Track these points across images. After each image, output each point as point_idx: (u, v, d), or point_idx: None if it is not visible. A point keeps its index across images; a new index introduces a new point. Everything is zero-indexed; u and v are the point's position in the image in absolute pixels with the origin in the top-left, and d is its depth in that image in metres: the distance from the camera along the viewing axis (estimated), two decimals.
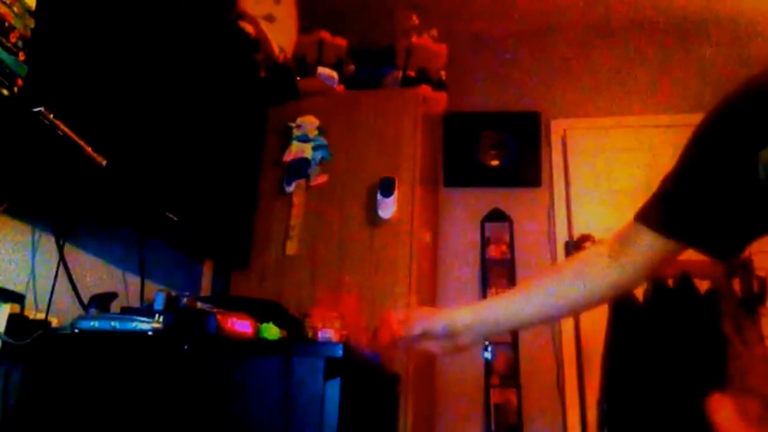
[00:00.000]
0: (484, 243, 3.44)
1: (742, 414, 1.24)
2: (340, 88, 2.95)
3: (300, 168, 2.72)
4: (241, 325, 1.62)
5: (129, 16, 1.78)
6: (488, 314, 1.20)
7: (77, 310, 1.77)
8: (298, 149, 2.74)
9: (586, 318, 3.00)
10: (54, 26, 1.44)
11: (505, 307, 1.20)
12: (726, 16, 3.49)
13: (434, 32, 3.11)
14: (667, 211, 1.06)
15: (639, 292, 2.29)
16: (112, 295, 1.79)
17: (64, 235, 1.78)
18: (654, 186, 1.06)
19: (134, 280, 2.10)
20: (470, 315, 1.18)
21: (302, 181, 2.74)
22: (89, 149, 1.54)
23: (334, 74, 2.94)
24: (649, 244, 1.05)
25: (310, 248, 2.65)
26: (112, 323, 1.58)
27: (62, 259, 1.77)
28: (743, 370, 1.25)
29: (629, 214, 1.07)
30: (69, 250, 1.81)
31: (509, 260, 3.38)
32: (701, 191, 1.02)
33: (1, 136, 1.37)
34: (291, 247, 2.66)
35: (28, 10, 1.33)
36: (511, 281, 3.30)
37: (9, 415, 1.54)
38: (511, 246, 3.41)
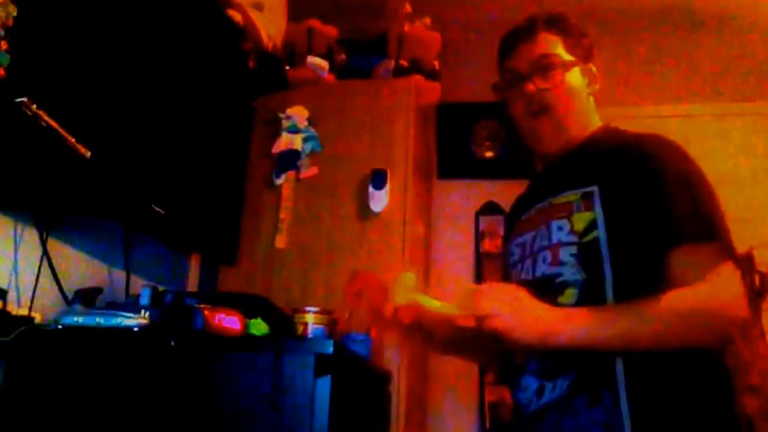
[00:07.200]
0: (479, 236, 3.41)
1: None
2: (331, 77, 2.91)
3: (289, 160, 2.69)
4: (228, 321, 1.59)
5: (114, 4, 1.75)
6: None
7: (61, 306, 1.74)
8: (287, 140, 2.70)
9: None
10: (37, 15, 1.41)
11: None
12: (721, 9, 3.48)
13: (427, 20, 3.07)
14: None
15: None
16: (96, 290, 1.77)
17: (47, 228, 1.75)
18: None
19: (119, 275, 2.07)
20: None
21: (292, 173, 2.70)
22: (73, 140, 1.52)
23: (325, 64, 2.90)
24: None
25: (300, 242, 2.62)
26: (97, 319, 1.56)
27: (45, 254, 1.73)
28: (744, 367, 1.23)
29: None
30: (52, 244, 1.78)
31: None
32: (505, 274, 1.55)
33: None
34: (280, 241, 2.62)
35: None
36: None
37: None
38: None
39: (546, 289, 1.29)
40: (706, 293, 1.18)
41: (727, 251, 1.21)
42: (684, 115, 3.36)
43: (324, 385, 1.43)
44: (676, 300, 1.17)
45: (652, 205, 1.25)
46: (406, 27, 2.99)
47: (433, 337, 1.49)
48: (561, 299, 1.28)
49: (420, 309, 1.36)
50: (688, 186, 1.27)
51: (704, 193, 1.27)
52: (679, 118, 3.30)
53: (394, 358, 2.39)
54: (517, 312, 1.17)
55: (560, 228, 1.33)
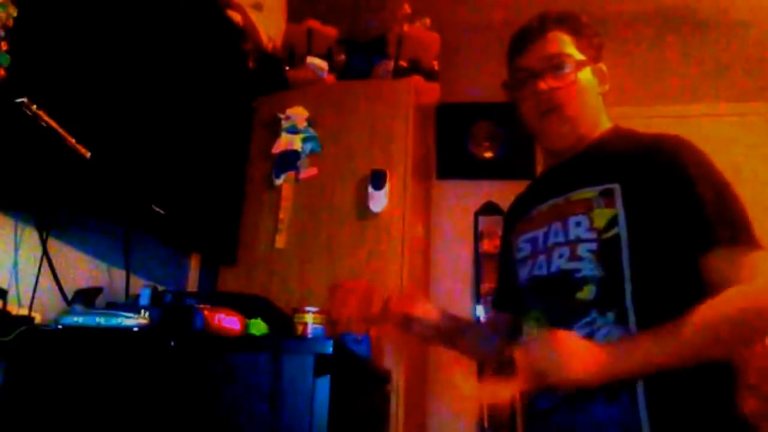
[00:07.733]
0: (478, 237, 3.41)
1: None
2: (330, 78, 2.91)
3: (289, 160, 2.69)
4: (228, 321, 1.59)
5: (114, 5, 1.75)
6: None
7: (61, 306, 1.74)
8: (287, 141, 2.70)
9: None
10: (37, 15, 1.42)
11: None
12: (720, 9, 3.48)
13: (427, 21, 3.08)
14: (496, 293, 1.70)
15: None
16: (96, 291, 1.77)
17: (47, 228, 1.74)
18: None
19: (119, 275, 2.06)
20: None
21: (291, 174, 2.70)
22: (73, 141, 1.52)
23: (324, 64, 2.90)
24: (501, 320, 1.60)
25: (300, 242, 2.62)
26: (97, 319, 1.55)
27: (46, 254, 1.73)
28: (743, 367, 1.23)
29: None
30: (52, 244, 1.78)
31: None
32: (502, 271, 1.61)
33: None
34: (280, 241, 2.62)
35: None
36: None
37: None
38: None
39: (564, 284, 1.30)
40: (752, 293, 1.18)
41: (761, 250, 1.23)
42: (683, 116, 3.36)
43: (323, 385, 1.42)
44: (724, 305, 1.17)
45: (682, 207, 1.25)
46: (406, 28, 3.00)
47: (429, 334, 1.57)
48: (579, 294, 1.28)
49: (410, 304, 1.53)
50: (715, 187, 1.27)
51: (730, 193, 1.28)
52: (678, 119, 3.30)
53: (393, 358, 2.39)
54: (568, 361, 1.15)
55: (578, 224, 1.32)
